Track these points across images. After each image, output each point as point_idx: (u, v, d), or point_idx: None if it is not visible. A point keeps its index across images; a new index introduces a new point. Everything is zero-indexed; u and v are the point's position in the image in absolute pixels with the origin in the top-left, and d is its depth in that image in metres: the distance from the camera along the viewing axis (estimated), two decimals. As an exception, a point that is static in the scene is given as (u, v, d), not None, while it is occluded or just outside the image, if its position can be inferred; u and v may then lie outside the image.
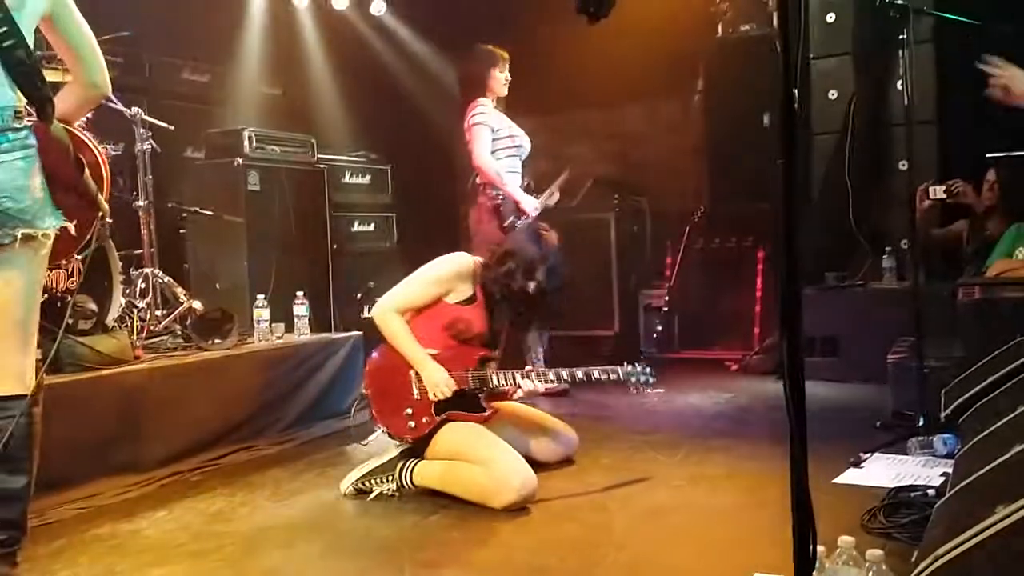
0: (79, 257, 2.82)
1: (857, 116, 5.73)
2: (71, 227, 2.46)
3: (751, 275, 6.30)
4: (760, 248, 6.33)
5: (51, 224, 2.39)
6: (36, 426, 2.42)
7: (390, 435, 3.44)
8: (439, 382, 3.31)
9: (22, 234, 2.32)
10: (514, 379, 3.40)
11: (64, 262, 3.93)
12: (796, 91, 1.57)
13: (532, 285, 3.37)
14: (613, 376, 3.34)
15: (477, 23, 6.47)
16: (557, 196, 5.09)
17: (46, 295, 3.66)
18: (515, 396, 3.48)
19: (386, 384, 3.43)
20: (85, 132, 2.76)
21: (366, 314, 6.04)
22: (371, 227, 6.42)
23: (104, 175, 2.71)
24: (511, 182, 4.89)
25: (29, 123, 2.37)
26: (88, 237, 2.63)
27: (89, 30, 2.54)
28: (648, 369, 3.32)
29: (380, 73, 7.41)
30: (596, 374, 3.34)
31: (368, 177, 6.48)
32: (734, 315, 6.36)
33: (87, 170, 2.54)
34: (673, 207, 6.98)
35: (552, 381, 3.40)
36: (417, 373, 3.36)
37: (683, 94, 7.01)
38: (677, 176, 7.16)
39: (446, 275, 3.46)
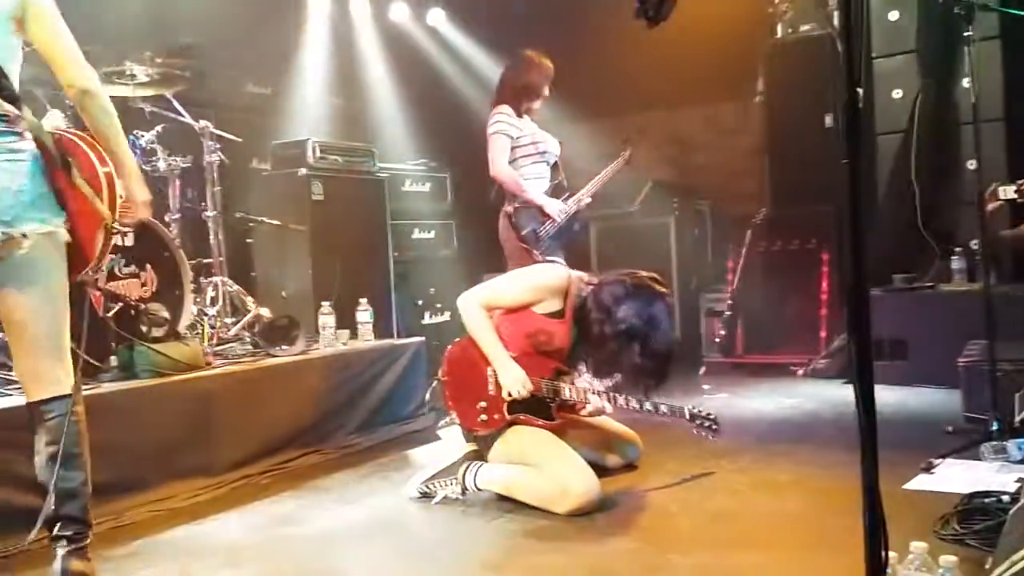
0: (106, 269, 2.79)
1: (922, 115, 5.62)
2: (63, 231, 2.42)
3: (816, 278, 6.20)
4: (824, 250, 6.22)
5: (33, 227, 2.36)
6: (82, 423, 2.49)
7: (460, 425, 3.51)
8: (516, 382, 3.31)
9: (2, 234, 2.31)
10: (585, 395, 3.41)
11: (139, 272, 4.07)
12: (860, 90, 1.55)
13: (617, 341, 3.24)
14: (679, 415, 3.41)
15: (534, 30, 6.47)
16: (588, 200, 4.79)
17: (121, 304, 3.80)
18: (583, 412, 3.49)
19: (464, 375, 3.46)
20: (82, 135, 2.60)
21: (427, 320, 6.11)
22: (431, 234, 6.48)
23: (101, 177, 2.54)
24: (535, 188, 4.70)
25: (19, 129, 2.38)
26: (102, 246, 2.55)
27: (67, 35, 2.49)
28: (714, 417, 3.40)
29: (438, 82, 7.49)
30: (664, 409, 3.39)
31: (428, 185, 6.54)
32: (799, 318, 6.26)
33: (75, 171, 2.47)
34: (734, 210, 6.91)
35: (621, 405, 3.41)
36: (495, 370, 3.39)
37: (743, 96, 6.94)
38: (738, 179, 7.11)
39: (542, 285, 3.43)
